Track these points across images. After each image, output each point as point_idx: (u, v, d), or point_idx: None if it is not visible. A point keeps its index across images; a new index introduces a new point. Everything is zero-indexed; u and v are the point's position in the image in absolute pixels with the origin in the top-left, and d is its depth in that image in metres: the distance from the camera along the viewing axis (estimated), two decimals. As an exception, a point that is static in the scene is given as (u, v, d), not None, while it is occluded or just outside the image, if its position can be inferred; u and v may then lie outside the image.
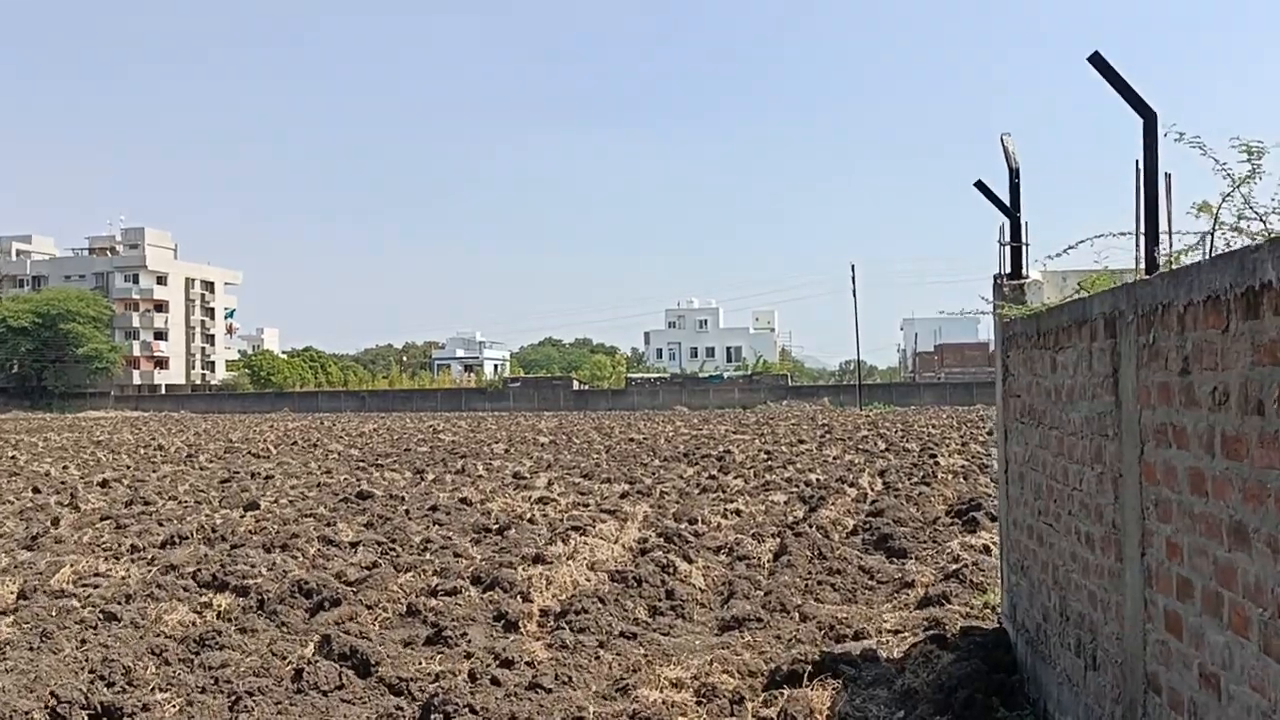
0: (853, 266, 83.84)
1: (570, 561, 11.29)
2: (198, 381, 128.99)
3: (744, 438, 38.93)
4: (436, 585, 10.14)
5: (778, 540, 12.69)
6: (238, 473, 26.13)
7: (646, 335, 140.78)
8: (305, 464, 28.96)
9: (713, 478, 23.02)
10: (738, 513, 15.97)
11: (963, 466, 23.29)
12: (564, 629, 8.66)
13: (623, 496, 18.93)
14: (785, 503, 17.72)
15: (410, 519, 16.22)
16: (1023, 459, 6.62)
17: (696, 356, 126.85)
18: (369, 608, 9.27)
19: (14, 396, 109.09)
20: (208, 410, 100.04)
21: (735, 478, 22.48)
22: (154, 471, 27.15)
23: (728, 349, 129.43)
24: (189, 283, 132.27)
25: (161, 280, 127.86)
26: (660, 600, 9.52)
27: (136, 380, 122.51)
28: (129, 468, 28.71)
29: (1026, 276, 7.17)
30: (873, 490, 19.22)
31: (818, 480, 20.84)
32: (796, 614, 9.02)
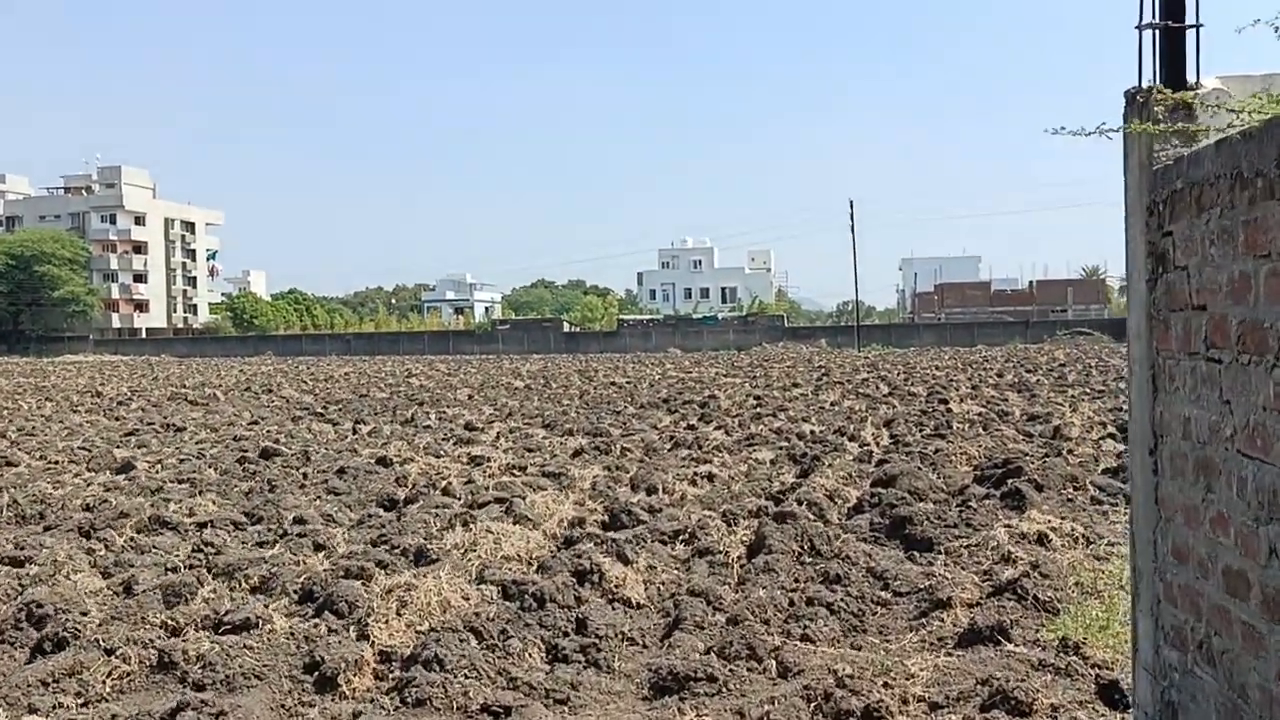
0: (851, 204, 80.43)
1: (463, 558, 8.04)
2: (180, 325, 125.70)
3: (734, 381, 35.69)
4: (232, 610, 6.84)
5: (756, 523, 9.40)
6: (152, 424, 22.88)
7: (640, 276, 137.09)
8: (237, 414, 25.70)
9: (691, 428, 19.79)
10: (710, 478, 12.70)
11: (980, 414, 20.02)
12: (404, 689, 5.43)
13: (576, 455, 15.67)
14: (772, 462, 14.45)
15: (302, 487, 12.97)
16: (1204, 433, 3.35)
17: (691, 297, 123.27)
18: (109, 652, 5.98)
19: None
20: (189, 355, 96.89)
21: (717, 428, 19.21)
22: (59, 423, 23.88)
23: (723, 289, 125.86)
24: (168, 223, 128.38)
25: (140, 221, 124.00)
26: (567, 635, 6.24)
27: (116, 324, 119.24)
28: (41, 416, 25.45)
29: (1199, 84, 3.80)
30: (878, 445, 15.95)
31: (812, 433, 17.55)
32: (773, 662, 5.76)
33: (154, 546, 9.03)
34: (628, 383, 36.28)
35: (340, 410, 26.40)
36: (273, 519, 10.61)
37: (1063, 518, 9.41)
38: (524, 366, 55.94)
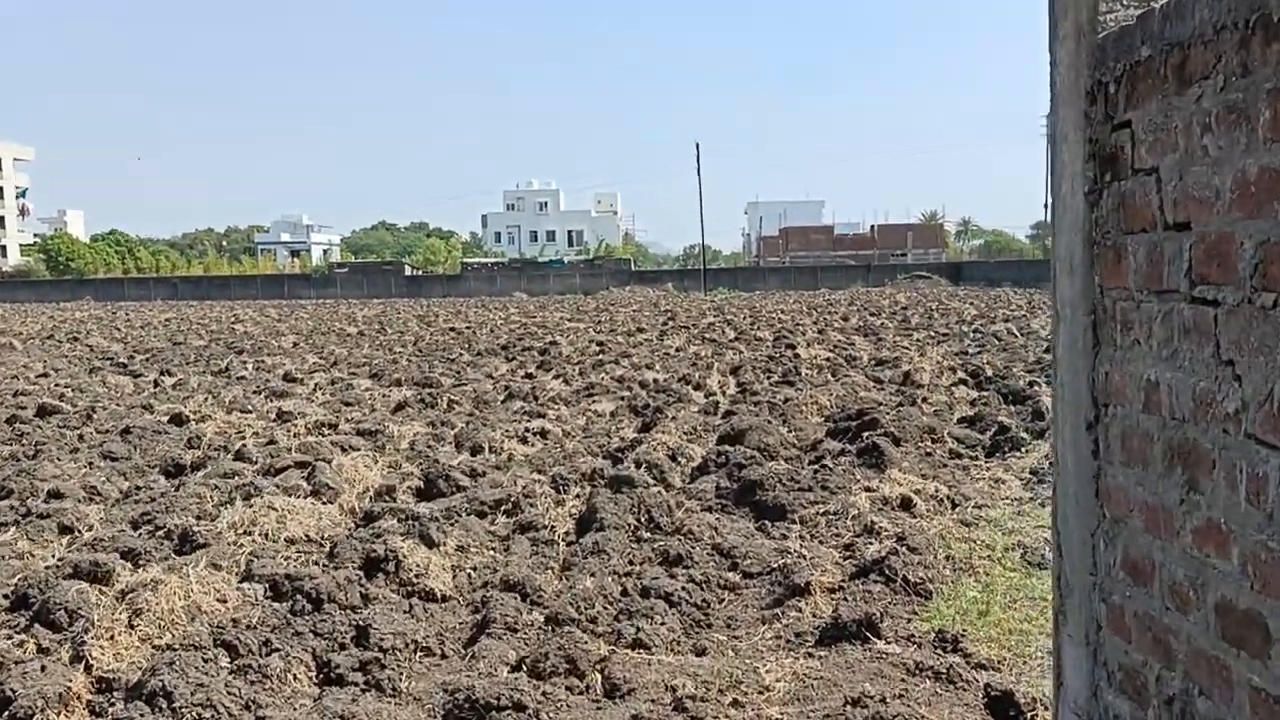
0: (697, 146, 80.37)
1: (235, 543, 6.68)
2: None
3: (579, 326, 34.58)
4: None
5: (589, 490, 8.28)
6: (-77, 378, 20.37)
7: (484, 219, 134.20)
8: (28, 365, 23.26)
9: (529, 377, 18.59)
10: (544, 434, 11.54)
11: (828, 359, 19.40)
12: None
13: (398, 409, 14.28)
14: (612, 415, 13.38)
15: (75, 451, 11.28)
16: (1183, 406, 2.34)
17: (537, 240, 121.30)
18: None
19: None
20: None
21: (555, 378, 18.04)
22: None
23: (569, 233, 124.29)
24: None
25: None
26: (345, 647, 5.00)
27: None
28: None
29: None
30: (725, 394, 15.05)
31: (656, 381, 16.56)
32: (598, 678, 4.66)
33: None
34: (467, 328, 34.77)
35: (148, 361, 24.21)
36: (24, 492, 8.98)
37: (924, 476, 8.61)
38: (361, 312, 53.60)
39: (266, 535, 6.92)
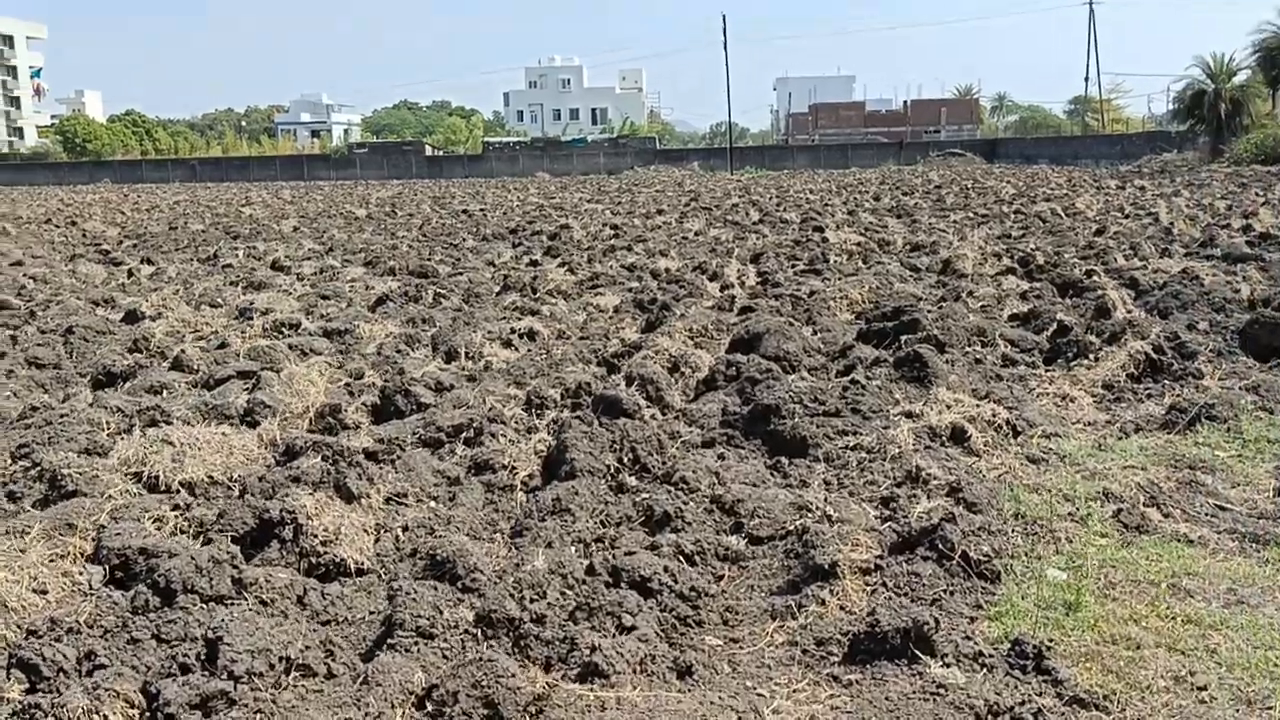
0: (724, 17, 76.57)
1: (104, 494, 5.29)
2: (5, 150, 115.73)
3: (597, 207, 32.82)
4: None
5: (567, 415, 6.80)
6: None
7: (506, 96, 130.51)
8: (5, 253, 21.89)
9: (533, 264, 17.06)
10: (532, 335, 10.06)
11: (859, 244, 17.69)
12: None
13: (378, 304, 12.80)
14: (615, 311, 11.88)
15: (3, 355, 9.93)
16: None
17: (560, 119, 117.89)
18: None
19: None
20: (14, 182, 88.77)
21: (561, 266, 16.48)
22: None
23: (593, 111, 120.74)
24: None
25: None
26: (185, 667, 3.59)
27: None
28: None
29: None
30: (743, 286, 13.46)
31: (668, 271, 14.96)
32: (530, 725, 3.27)
33: None
34: (481, 210, 33.09)
35: (133, 248, 22.79)
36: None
37: (977, 394, 7.06)
38: (376, 193, 51.90)
39: (155, 480, 5.51)
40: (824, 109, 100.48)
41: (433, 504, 5.29)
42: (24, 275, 17.13)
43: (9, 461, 6.17)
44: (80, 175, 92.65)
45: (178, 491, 5.42)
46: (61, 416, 7.06)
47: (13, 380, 8.91)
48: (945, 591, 4.08)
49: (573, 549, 4.56)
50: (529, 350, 9.49)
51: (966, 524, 4.48)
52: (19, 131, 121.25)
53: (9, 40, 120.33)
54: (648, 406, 6.83)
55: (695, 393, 7.69)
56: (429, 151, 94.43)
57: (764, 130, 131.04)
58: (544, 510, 4.97)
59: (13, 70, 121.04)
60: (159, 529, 4.79)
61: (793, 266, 15.18)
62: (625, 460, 5.64)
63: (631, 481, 5.47)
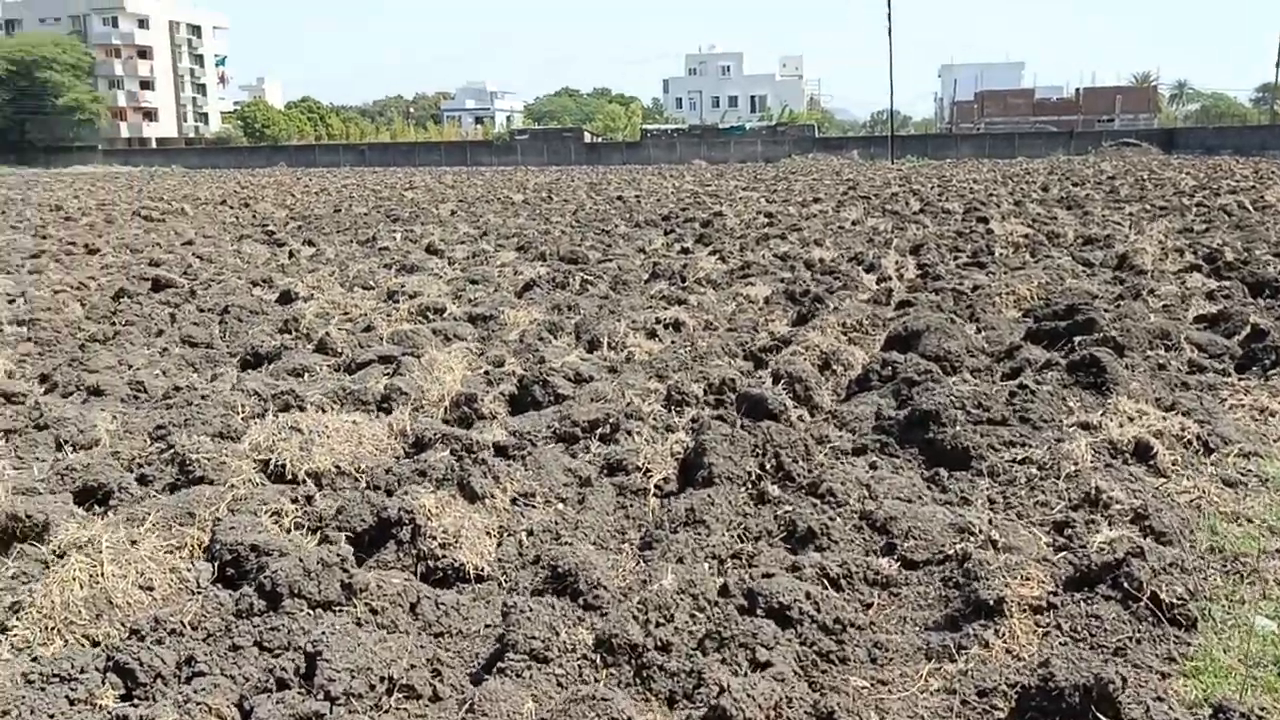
0: (888, 2, 74.55)
1: (227, 483, 5.16)
2: (191, 135, 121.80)
3: (752, 195, 32.27)
4: None
5: (708, 412, 6.41)
6: (72, 246, 19.91)
7: (665, 83, 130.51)
8: (180, 232, 22.73)
9: (685, 251, 16.75)
10: (677, 326, 9.71)
11: (1026, 237, 16.74)
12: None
13: (525, 289, 12.64)
14: (765, 302, 11.42)
15: (160, 334, 10.14)
16: None
17: (719, 106, 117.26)
18: None
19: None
20: (200, 165, 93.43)
21: (712, 254, 16.09)
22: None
23: (752, 98, 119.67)
24: (173, 26, 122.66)
25: (143, 24, 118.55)
26: (282, 682, 3.33)
27: (125, 134, 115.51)
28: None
29: None
30: (901, 279, 12.81)
31: (822, 261, 14.41)
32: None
33: None
34: (635, 197, 32.94)
35: (298, 229, 23.38)
36: (66, 385, 7.78)
37: (1162, 404, 6.38)
38: (534, 179, 52.47)
39: (281, 469, 5.37)
40: (991, 97, 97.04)
41: (560, 506, 4.99)
42: (192, 254, 17.68)
43: (147, 442, 6.15)
44: (258, 159, 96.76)
45: (303, 482, 5.26)
46: (202, 398, 7.05)
47: (166, 358, 9.05)
48: (1131, 640, 3.55)
49: (705, 566, 4.19)
50: (673, 341, 9.15)
51: (1155, 559, 3.92)
52: (204, 117, 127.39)
53: (197, 30, 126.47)
54: (795, 407, 6.40)
55: (846, 393, 7.20)
56: (587, 138, 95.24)
57: (927, 119, 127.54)
58: (676, 520, 4.61)
59: (199, 59, 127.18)
60: (276, 523, 4.63)
61: (955, 259, 14.43)
62: (768, 467, 5.23)
63: (773, 491, 5.05)
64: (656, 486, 5.28)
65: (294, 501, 4.88)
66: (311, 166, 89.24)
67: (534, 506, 4.95)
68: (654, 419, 6.33)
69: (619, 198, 32.91)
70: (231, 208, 32.54)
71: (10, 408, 7.25)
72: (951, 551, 4.30)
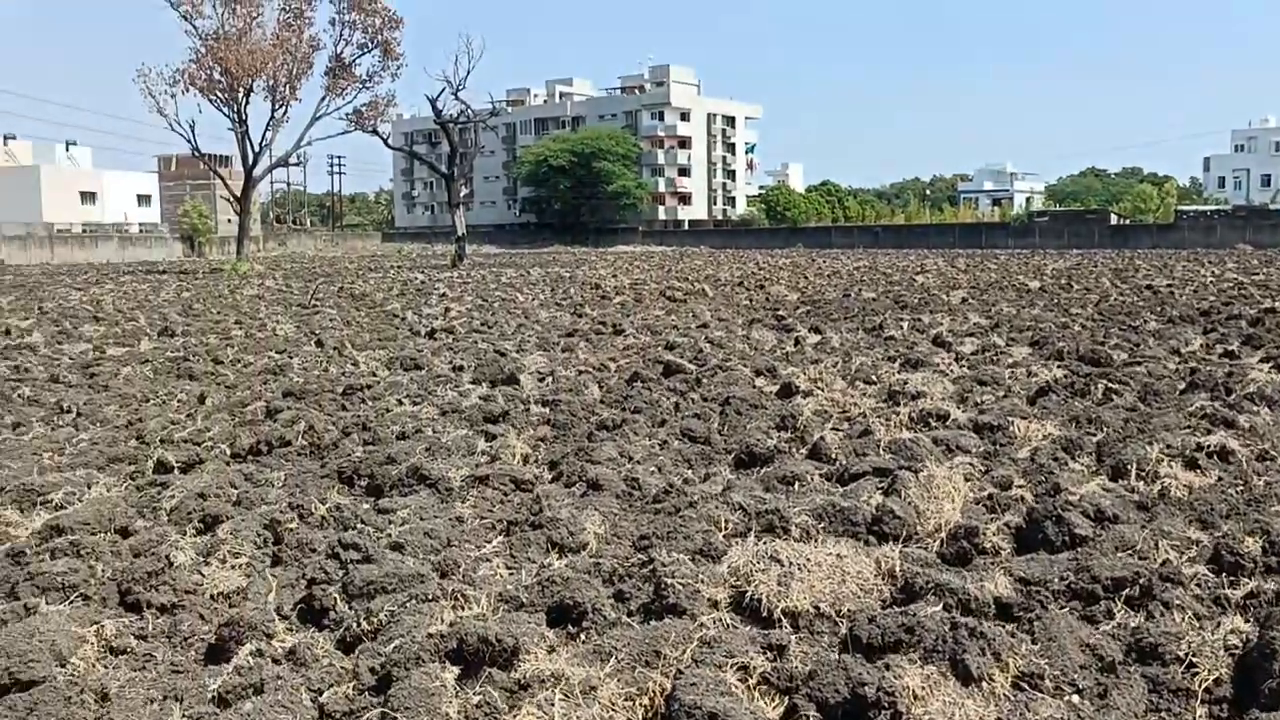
0: None
1: (696, 614, 4.84)
2: (719, 217, 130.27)
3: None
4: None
5: (1269, 588, 5.16)
6: (602, 325, 21.52)
7: (1206, 161, 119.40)
8: (698, 314, 23.82)
9: (1229, 356, 14.65)
10: (1224, 454, 8.19)
11: None
12: None
13: (1039, 395, 11.48)
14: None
15: (661, 424, 10.37)
16: None
17: (1269, 185, 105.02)
18: None
19: (557, 232, 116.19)
20: (724, 245, 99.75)
21: (1264, 360, 13.87)
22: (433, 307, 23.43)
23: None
24: (710, 118, 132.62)
25: (685, 117, 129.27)
26: None
27: (662, 216, 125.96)
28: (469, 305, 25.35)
29: None
30: None
31: None
32: None
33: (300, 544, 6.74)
34: (1167, 287, 29.92)
35: (807, 314, 23.62)
36: (573, 474, 8.05)
37: None
38: (1052, 264, 49.85)
39: (757, 604, 4.98)
40: None
41: (1076, 700, 4.12)
42: (705, 338, 18.33)
43: (630, 552, 6.07)
44: (777, 240, 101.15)
45: (778, 622, 4.83)
46: (690, 504, 6.92)
47: (664, 451, 9.16)
48: None
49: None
50: (1220, 477, 7.74)
51: None
52: (732, 200, 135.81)
53: (730, 120, 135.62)
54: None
55: None
56: (1114, 220, 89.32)
57: None
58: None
59: (731, 147, 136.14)
60: (742, 680, 4.20)
61: None
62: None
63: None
64: (1206, 690, 4.23)
65: (764, 651, 4.45)
66: (827, 247, 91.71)
67: (1041, 694, 4.13)
68: (1197, 585, 5.21)
69: (1148, 287, 30.10)
70: (747, 289, 33.78)
71: (518, 495, 7.59)
72: None
